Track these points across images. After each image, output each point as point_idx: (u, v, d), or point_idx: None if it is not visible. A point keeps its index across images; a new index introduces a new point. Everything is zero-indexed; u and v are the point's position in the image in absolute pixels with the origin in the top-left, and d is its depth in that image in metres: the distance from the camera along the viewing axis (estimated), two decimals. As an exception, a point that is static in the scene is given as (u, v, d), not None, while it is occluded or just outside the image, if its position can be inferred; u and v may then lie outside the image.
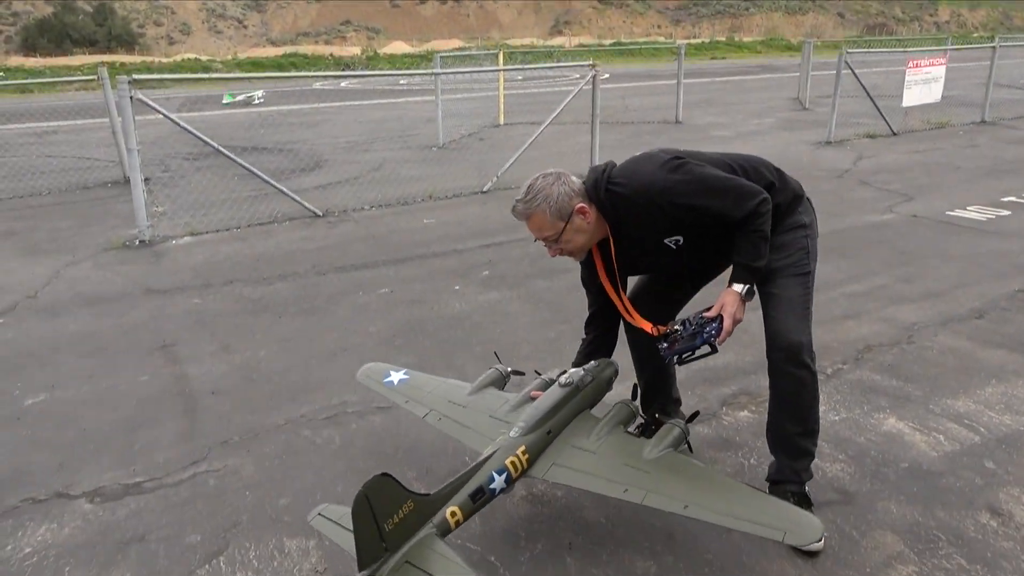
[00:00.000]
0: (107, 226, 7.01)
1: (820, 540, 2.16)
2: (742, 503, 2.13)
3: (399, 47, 38.86)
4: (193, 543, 2.58)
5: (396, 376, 2.98)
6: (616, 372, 2.83)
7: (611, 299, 2.69)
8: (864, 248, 5.88)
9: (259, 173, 7.16)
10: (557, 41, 39.85)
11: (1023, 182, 8.16)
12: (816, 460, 2.99)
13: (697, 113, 14.42)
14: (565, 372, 2.68)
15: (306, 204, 7.25)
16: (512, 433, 2.39)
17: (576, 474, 2.34)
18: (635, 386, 2.86)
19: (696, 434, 3.21)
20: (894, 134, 11.44)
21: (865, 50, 17.94)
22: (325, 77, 25.83)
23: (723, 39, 41.27)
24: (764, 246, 2.43)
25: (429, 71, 12.10)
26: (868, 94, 11.51)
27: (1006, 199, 7.41)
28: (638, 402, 2.73)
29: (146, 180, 6.68)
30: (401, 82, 22.85)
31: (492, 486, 2.23)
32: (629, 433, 2.52)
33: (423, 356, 4.06)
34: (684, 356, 2.52)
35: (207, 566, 2.46)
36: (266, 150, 11.02)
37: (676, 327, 2.52)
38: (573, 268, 5.41)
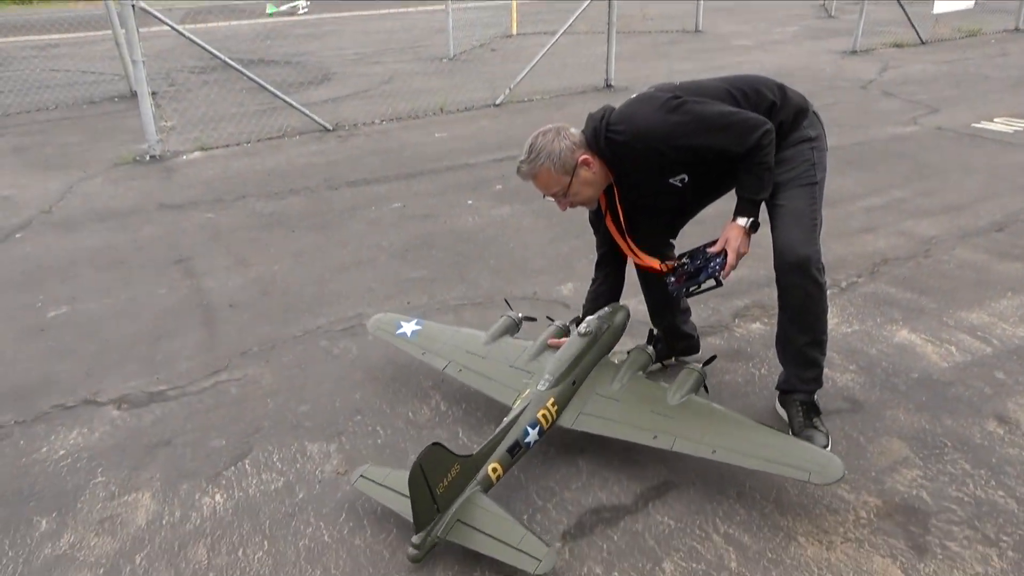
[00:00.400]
0: (116, 141, 6.96)
1: (842, 478, 2.13)
2: (767, 445, 2.21)
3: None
4: (218, 447, 2.67)
5: (409, 327, 2.97)
6: (628, 316, 2.86)
7: (618, 243, 2.71)
8: (885, 161, 5.77)
9: (267, 86, 7.04)
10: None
11: (1053, 92, 7.90)
12: (826, 370, 3.02)
13: (719, 21, 13.92)
14: (581, 321, 2.73)
15: (316, 118, 7.15)
16: (540, 386, 2.46)
17: (604, 422, 2.42)
18: (650, 331, 2.88)
19: (708, 345, 3.25)
20: (923, 43, 11.04)
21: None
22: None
23: (746, -58, 39.38)
24: (768, 177, 2.41)
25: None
26: (898, 1, 11.04)
27: (1034, 110, 7.20)
28: (652, 348, 2.75)
29: (153, 94, 6.58)
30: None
31: (527, 440, 2.33)
32: (649, 379, 2.58)
33: (436, 270, 4.08)
34: (691, 290, 2.55)
35: (233, 468, 2.55)
36: (273, 63, 10.80)
37: (683, 260, 2.53)
38: (587, 182, 5.36)
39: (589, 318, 2.72)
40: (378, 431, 2.73)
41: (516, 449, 2.30)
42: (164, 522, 2.31)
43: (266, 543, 2.21)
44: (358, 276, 4.03)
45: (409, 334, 2.95)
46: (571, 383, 2.51)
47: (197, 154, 6.47)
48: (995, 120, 6.87)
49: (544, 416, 2.39)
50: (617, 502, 2.34)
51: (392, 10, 17.91)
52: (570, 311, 3.59)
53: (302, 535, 2.24)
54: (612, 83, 8.70)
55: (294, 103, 7.15)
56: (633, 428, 2.38)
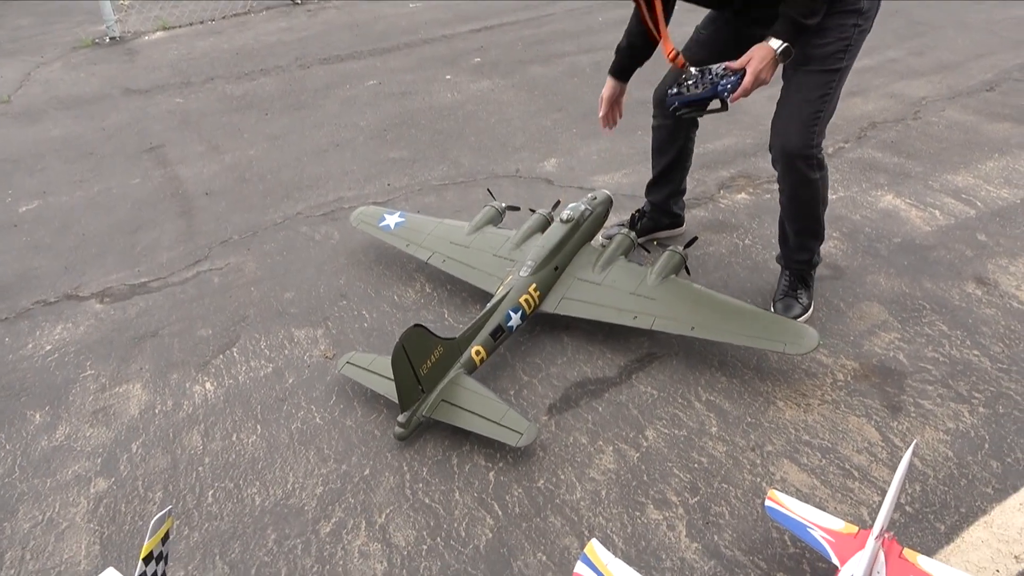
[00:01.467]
0: (72, 23, 6.58)
1: (816, 347, 2.20)
2: (743, 321, 2.28)
3: None
4: (205, 336, 2.68)
5: (392, 219, 2.95)
6: (611, 202, 2.87)
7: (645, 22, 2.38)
8: (878, 19, 5.53)
9: (227, -44, 6.59)
10: None
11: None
12: (810, 239, 3.03)
13: None
14: (562, 206, 2.78)
15: (282, -10, 6.75)
16: (522, 272, 2.49)
17: (586, 306, 2.47)
18: (632, 214, 2.89)
19: (693, 217, 3.22)
20: None
21: None
22: None
23: None
24: (820, 2, 2.13)
25: None
26: None
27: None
28: (634, 228, 2.78)
29: (106, -32, 6.16)
30: None
31: (509, 324, 2.37)
32: (631, 262, 2.59)
33: (416, 149, 3.98)
34: (693, 107, 2.25)
35: (221, 356, 2.58)
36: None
37: (692, 70, 2.24)
38: (569, 52, 5.20)
39: (572, 204, 2.71)
40: (364, 315, 2.74)
41: (499, 333, 2.34)
42: (157, 411, 2.35)
43: (259, 427, 2.26)
44: (336, 158, 3.93)
45: (392, 226, 2.93)
46: (553, 269, 2.55)
47: (159, 34, 6.15)
48: (995, -29, 6.56)
49: (526, 301, 2.44)
50: (602, 375, 2.39)
51: None
52: (553, 187, 3.54)
53: (294, 418, 2.29)
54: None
55: (257, -25, 6.73)
56: (614, 310, 2.43)
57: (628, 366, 2.42)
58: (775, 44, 2.14)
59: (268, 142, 4.15)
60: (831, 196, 3.30)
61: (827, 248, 2.97)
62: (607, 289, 2.49)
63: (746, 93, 2.16)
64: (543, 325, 2.60)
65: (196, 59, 5.51)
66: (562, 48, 5.29)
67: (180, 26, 6.28)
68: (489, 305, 2.41)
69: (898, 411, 2.20)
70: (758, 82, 2.16)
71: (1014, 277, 2.73)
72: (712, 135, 3.93)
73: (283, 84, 4.94)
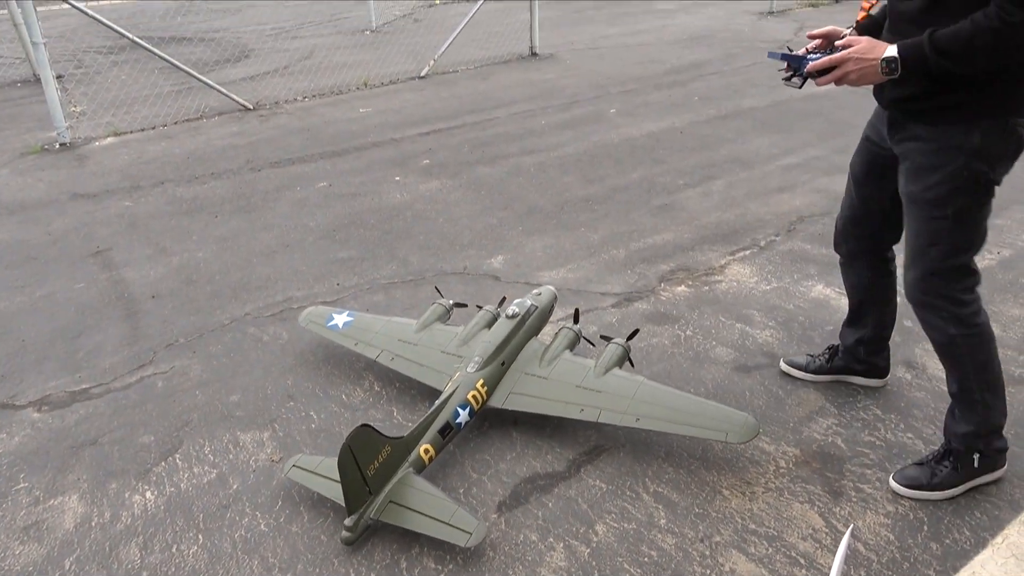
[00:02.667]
0: (21, 129, 6.61)
1: (756, 435, 2.25)
2: (686, 411, 2.35)
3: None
4: (147, 443, 2.61)
5: (340, 318, 2.98)
6: (555, 297, 2.98)
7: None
8: (801, 120, 5.94)
9: (182, 66, 6.78)
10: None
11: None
12: (747, 328, 3.15)
13: (639, -15, 13.97)
14: (508, 302, 2.86)
15: (235, 97, 6.93)
16: (469, 368, 2.53)
17: (533, 400, 2.51)
18: (576, 310, 2.89)
19: (635, 310, 3.33)
20: (837, 1, 11.32)
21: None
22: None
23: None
24: (973, 56, 1.78)
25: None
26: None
27: (939, 65, 7.49)
28: (579, 325, 2.80)
29: (59, 77, 6.27)
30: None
31: (458, 420, 2.40)
32: (576, 356, 2.66)
33: (365, 249, 4.05)
34: (787, 68, 2.09)
35: (163, 463, 2.51)
36: (188, 40, 10.38)
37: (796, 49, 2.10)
38: (513, 154, 5.40)
39: (518, 300, 2.80)
40: (312, 416, 2.72)
41: (447, 430, 2.36)
42: (93, 523, 2.26)
43: (201, 537, 2.20)
44: (286, 259, 3.96)
45: (341, 326, 2.96)
46: (500, 364, 2.59)
47: (110, 140, 6.21)
48: (904, 76, 7.13)
49: (474, 397, 2.47)
50: (551, 470, 2.40)
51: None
52: (501, 284, 3.63)
53: (238, 526, 2.23)
54: (537, 51, 8.67)
55: (211, 82, 6.91)
56: (561, 404, 2.47)
57: (576, 459, 2.44)
58: (891, 50, 1.85)
59: (217, 244, 4.17)
60: (766, 286, 3.48)
61: (764, 337, 3.09)
62: (554, 383, 2.53)
63: (819, 71, 1.95)
64: (492, 421, 2.61)
65: (146, 163, 5.57)
66: (506, 150, 5.52)
67: (131, 132, 6.36)
68: (437, 402, 2.43)
69: (839, 496, 2.26)
70: (841, 75, 1.93)
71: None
72: (651, 230, 4.10)
73: (234, 187, 5.02)
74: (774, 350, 2.99)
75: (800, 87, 2.11)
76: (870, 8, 2.12)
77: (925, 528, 2.13)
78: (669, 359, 2.97)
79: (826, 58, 1.95)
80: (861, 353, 2.66)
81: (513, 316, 2.70)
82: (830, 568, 2.01)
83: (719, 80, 7.29)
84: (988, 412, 2.20)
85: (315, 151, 5.68)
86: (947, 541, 2.08)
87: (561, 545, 2.11)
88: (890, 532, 2.12)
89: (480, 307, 2.94)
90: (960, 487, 2.23)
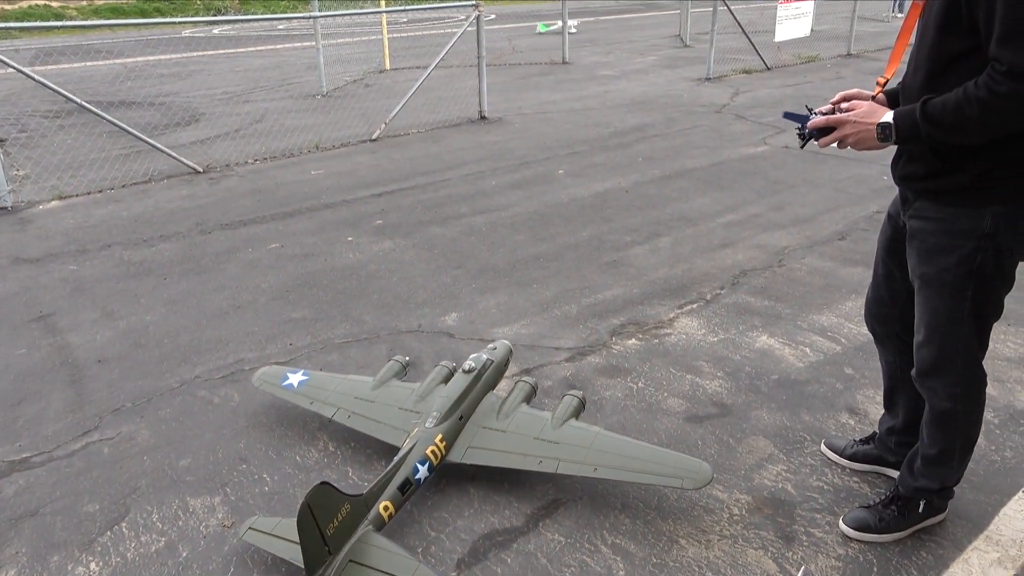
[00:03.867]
0: (-39, 193, 6.46)
1: (711, 481, 2.29)
2: (642, 459, 2.40)
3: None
4: (91, 512, 2.53)
5: (295, 377, 2.97)
6: (510, 352, 3.01)
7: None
8: (740, 180, 6.20)
9: (130, 129, 6.75)
10: (440, -19, 38.72)
11: (881, 111, 8.74)
12: (697, 379, 3.24)
13: (583, 53, 14.53)
14: (463, 359, 2.87)
15: (184, 160, 6.91)
16: (427, 424, 2.56)
17: (492, 454, 2.54)
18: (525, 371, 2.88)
19: (587, 364, 3.39)
20: (768, 69, 11.94)
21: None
22: (195, 23, 24.27)
23: (606, -23, 41.36)
24: (962, 126, 1.77)
25: (307, 14, 11.57)
26: (743, 30, 11.93)
27: (866, 128, 7.93)
28: (535, 379, 2.86)
29: (1, 141, 6.17)
30: (279, 27, 21.78)
31: (417, 476, 2.41)
32: (532, 408, 2.71)
33: (318, 309, 4.04)
34: (796, 126, 2.11)
35: (109, 532, 2.43)
36: (136, 104, 10.36)
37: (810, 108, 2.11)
38: (465, 214, 5.50)
39: (474, 355, 2.84)
40: (265, 478, 2.67)
41: (407, 487, 2.37)
42: (33, 598, 2.17)
43: (149, 607, 2.12)
44: (237, 320, 3.93)
45: (296, 385, 2.95)
46: (458, 418, 2.62)
47: (55, 203, 6.11)
48: (834, 138, 7.52)
49: (433, 452, 2.49)
50: (509, 525, 2.40)
51: (260, 47, 17.58)
52: (455, 341, 3.65)
53: (188, 594, 2.16)
54: (486, 115, 8.91)
55: (160, 145, 6.89)
56: (519, 456, 2.50)
57: (534, 513, 2.45)
58: (887, 116, 1.88)
59: (166, 307, 4.11)
60: (713, 338, 3.59)
61: (713, 388, 3.17)
62: (511, 436, 2.57)
63: (820, 130, 1.99)
64: (449, 477, 2.61)
65: (93, 227, 5.49)
66: (458, 210, 5.61)
67: (77, 195, 6.28)
68: (396, 459, 2.43)
69: (792, 541, 2.31)
70: (840, 136, 1.97)
71: (880, 406, 2.97)
72: (602, 286, 4.21)
73: (183, 249, 4.97)
74: (723, 400, 3.07)
75: (801, 146, 2.11)
76: (884, 83, 2.11)
77: (875, 570, 2.19)
78: (622, 411, 3.02)
79: (824, 118, 1.99)
80: (892, 444, 2.51)
81: (470, 371, 2.74)
82: (785, 612, 2.05)
83: (662, 142, 7.58)
84: (952, 473, 2.25)
85: (267, 213, 5.69)
86: (895, 581, 2.14)
87: (521, 601, 2.10)
88: (841, 574, 2.17)
89: (435, 365, 2.96)
90: (907, 530, 2.30)
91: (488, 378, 2.80)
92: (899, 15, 19.16)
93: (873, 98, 2.11)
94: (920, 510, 2.29)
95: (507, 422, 2.62)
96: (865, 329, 3.63)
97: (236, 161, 7.25)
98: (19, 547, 2.38)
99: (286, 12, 23.12)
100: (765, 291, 4.10)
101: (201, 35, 20.40)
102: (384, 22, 13.21)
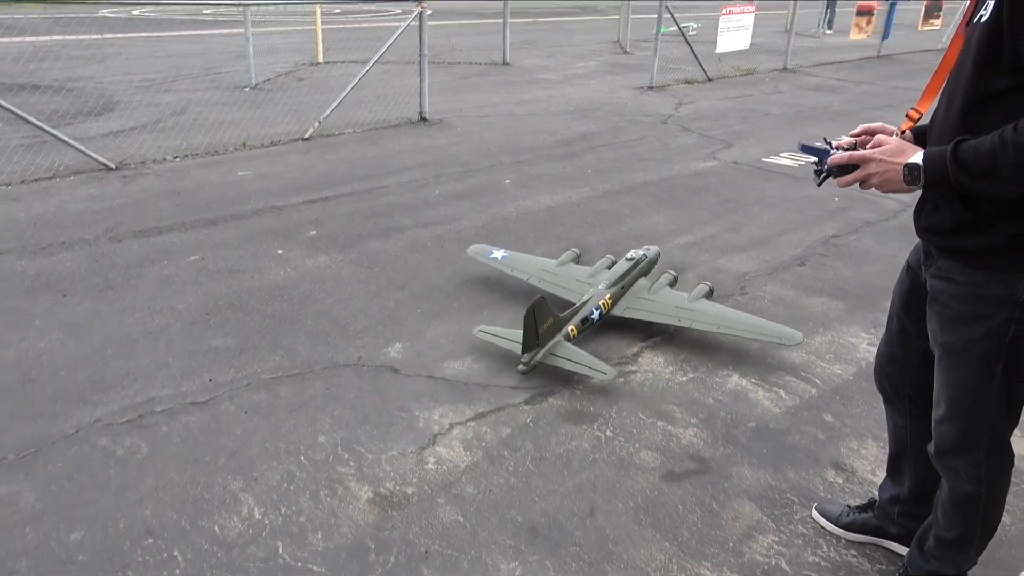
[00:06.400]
0: None
1: (801, 341, 3.36)
2: (751, 324, 3.51)
3: (199, -28, 35.12)
4: (-46, 604, 2.06)
5: (499, 253, 4.14)
6: (659, 254, 4.20)
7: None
8: (692, 196, 6.01)
9: (29, 118, 6.05)
10: (375, -27, 37.74)
11: (823, 129, 8.75)
12: (670, 426, 2.96)
13: (523, 54, 14.24)
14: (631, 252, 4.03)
15: (94, 155, 6.26)
16: (600, 287, 3.69)
17: (643, 312, 3.63)
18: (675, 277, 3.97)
19: (549, 406, 3.07)
20: (709, 80, 11.91)
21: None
22: (112, 4, 22.86)
23: (543, -22, 41.23)
24: (996, 174, 1.54)
25: (236, 1, 10.86)
26: (687, 40, 11.87)
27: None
28: (677, 272, 4.03)
29: None
30: (205, 11, 20.68)
31: (592, 317, 3.51)
32: (673, 290, 3.84)
33: (244, 336, 3.59)
34: (814, 160, 1.85)
35: (-25, 634, 1.97)
36: (42, 88, 9.50)
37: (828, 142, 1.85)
38: (408, 226, 5.12)
39: (633, 249, 4.04)
40: (175, 557, 2.24)
41: (586, 322, 3.47)
42: None
43: None
44: (148, 350, 3.44)
45: (500, 258, 4.11)
46: (621, 288, 3.73)
47: (-62, 200, 5.40)
48: (780, 155, 7.45)
49: (603, 304, 3.59)
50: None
51: (184, 32, 16.61)
52: (400, 378, 3.28)
53: None
54: (427, 116, 8.50)
55: (65, 137, 6.21)
56: (663, 316, 3.59)
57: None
58: (915, 156, 1.66)
59: (64, 331, 3.58)
60: (682, 377, 3.31)
61: (688, 437, 2.90)
62: (658, 303, 3.68)
63: (840, 166, 1.74)
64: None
65: (-18, 230, 4.85)
66: (400, 221, 5.21)
67: (-34, 191, 5.58)
68: (579, 303, 3.56)
69: (791, 631, 2.04)
70: (863, 176, 1.72)
71: (867, 461, 2.77)
72: (559, 314, 3.90)
73: (88, 260, 4.41)
74: (700, 452, 2.80)
75: (818, 184, 1.84)
76: (918, 119, 1.86)
77: (883, 665, 1.95)
78: (591, 466, 2.71)
79: (847, 154, 1.74)
80: (895, 514, 2.27)
81: (631, 259, 3.90)
82: None
83: (609, 153, 7.34)
84: (970, 559, 2.02)
85: (187, 219, 5.15)
86: None
87: None
88: (849, 673, 1.92)
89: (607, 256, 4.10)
90: None
91: (643, 267, 3.93)
92: (827, 31, 19.63)
93: (902, 134, 1.87)
94: None
95: (655, 295, 3.74)
96: (839, 369, 3.48)
97: (153, 158, 6.63)
98: None
99: (212, -4, 21.98)
100: (731, 322, 3.87)
101: (120, 16, 19.19)
102: (318, 13, 12.59)
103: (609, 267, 3.91)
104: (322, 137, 7.58)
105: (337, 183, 6.06)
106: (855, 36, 15.92)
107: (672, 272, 3.96)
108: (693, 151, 7.50)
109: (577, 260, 4.10)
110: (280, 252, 4.62)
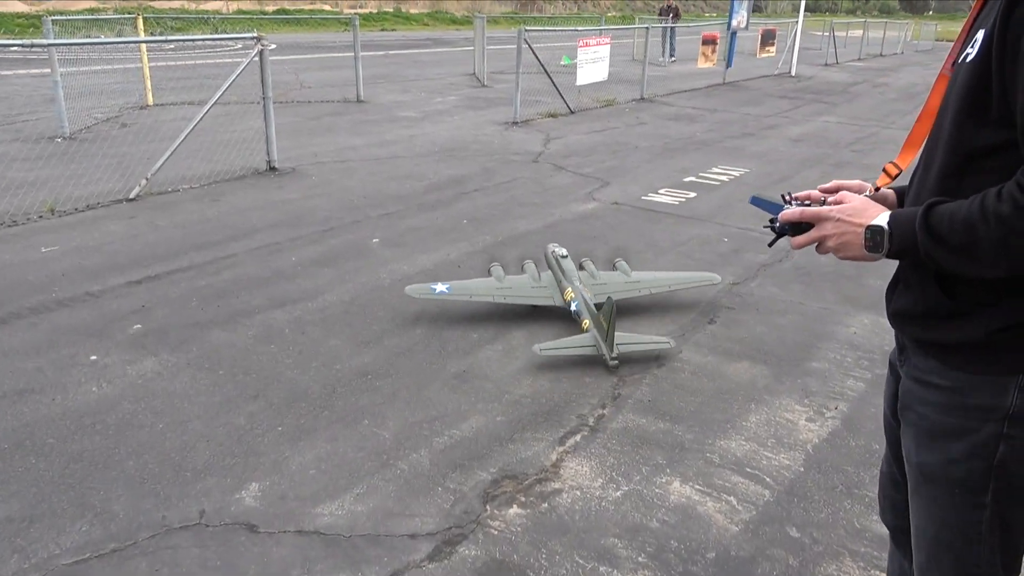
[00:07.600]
0: None
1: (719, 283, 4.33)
2: (680, 278, 4.49)
3: (11, 5, 31.62)
4: None
5: (442, 287, 4.07)
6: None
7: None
8: (580, 245, 5.51)
9: None
10: (212, 6, 35.58)
11: (693, 160, 8.66)
12: (615, 572, 2.35)
13: (378, 91, 13.54)
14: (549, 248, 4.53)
15: None
16: (575, 283, 4.10)
17: (607, 294, 3.85)
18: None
19: (461, 558, 2.38)
20: (572, 112, 11.71)
21: (542, 28, 18.34)
22: None
23: (390, 10, 40.59)
24: (972, 250, 1.21)
25: (40, 41, 9.34)
26: (547, 73, 11.63)
27: (687, 179, 7.72)
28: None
29: None
30: (11, 50, 18.42)
31: (592, 308, 3.87)
32: (603, 271, 4.48)
33: (37, 494, 2.64)
34: (768, 217, 1.56)
35: None
36: None
37: (787, 197, 1.52)
38: (260, 307, 4.26)
39: (553, 243, 4.61)
40: None
41: (596, 308, 3.81)
42: None
43: None
44: None
45: (446, 290, 4.05)
46: (581, 280, 4.20)
47: None
48: (660, 191, 7.18)
49: (588, 296, 3.98)
50: None
51: (-16, 73, 14.57)
52: (260, 538, 2.47)
53: None
54: (276, 165, 7.59)
55: None
56: (624, 293, 4.21)
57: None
58: (881, 217, 1.33)
59: None
60: (615, 492, 2.73)
61: (642, 589, 2.29)
62: (611, 284, 4.27)
63: (793, 223, 1.43)
64: None
65: None
66: (250, 302, 4.35)
67: None
68: (578, 300, 3.96)
69: None
70: (818, 237, 1.40)
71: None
72: (455, 414, 3.22)
73: None
74: (661, 612, 2.20)
75: (770, 244, 1.54)
76: (897, 174, 1.51)
77: None
78: (530, 658, 2.04)
79: (798, 210, 1.42)
80: None
81: (565, 256, 4.32)
82: None
83: (483, 198, 6.78)
84: None
85: (-34, 318, 4.04)
86: None
87: None
88: None
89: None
90: None
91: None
92: (672, 59, 20.30)
93: (877, 190, 1.51)
94: None
95: (602, 278, 4.32)
96: (786, 459, 3.00)
97: (-73, 234, 5.35)
98: None
99: (19, 36, 19.74)
100: (654, 406, 3.34)
101: (-98, 56, 16.68)
102: (144, 52, 11.29)
103: (548, 266, 4.36)
104: (151, 196, 6.51)
105: (170, 256, 5.08)
106: (702, 64, 16.47)
107: (586, 258, 4.58)
108: (571, 192, 7.08)
109: (505, 270, 4.36)
110: (93, 358, 3.64)
